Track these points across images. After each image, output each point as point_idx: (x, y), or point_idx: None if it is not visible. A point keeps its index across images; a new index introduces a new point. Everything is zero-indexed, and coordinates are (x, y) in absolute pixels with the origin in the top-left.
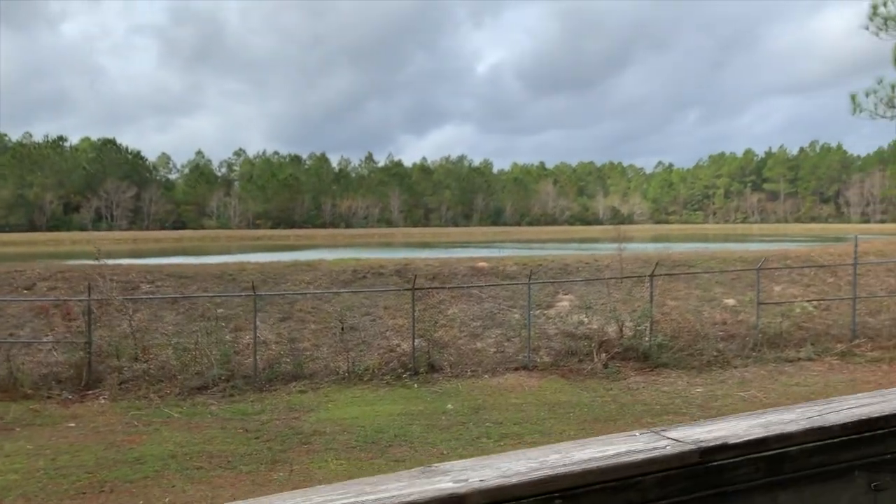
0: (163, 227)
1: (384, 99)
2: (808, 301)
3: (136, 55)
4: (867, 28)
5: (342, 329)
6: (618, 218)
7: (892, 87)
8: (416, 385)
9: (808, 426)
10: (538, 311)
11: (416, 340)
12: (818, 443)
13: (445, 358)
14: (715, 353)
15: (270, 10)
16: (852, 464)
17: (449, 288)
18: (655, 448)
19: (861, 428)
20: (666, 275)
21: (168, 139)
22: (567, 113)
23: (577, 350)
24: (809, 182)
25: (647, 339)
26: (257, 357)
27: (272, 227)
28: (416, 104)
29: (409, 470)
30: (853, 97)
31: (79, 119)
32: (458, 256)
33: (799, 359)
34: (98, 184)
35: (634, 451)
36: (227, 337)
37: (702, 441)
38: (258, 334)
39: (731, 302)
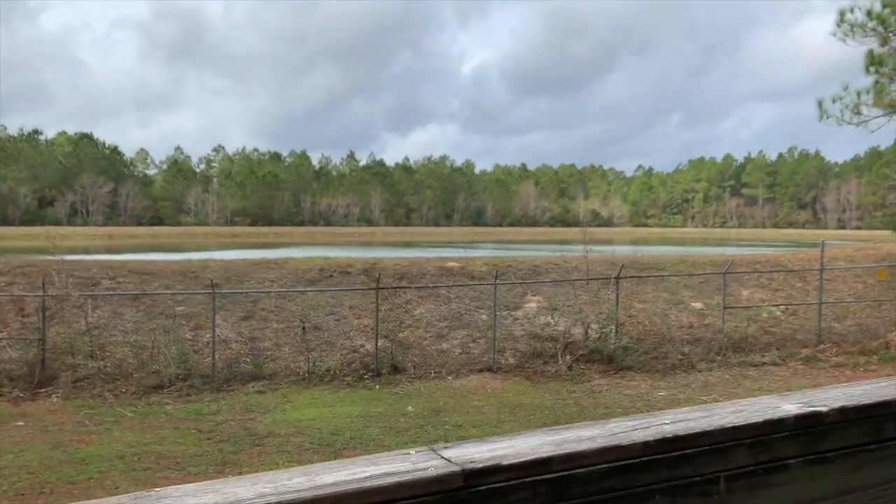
0: (139, 224)
1: (368, 97)
2: (774, 305)
3: (117, 49)
4: (835, 35)
5: (303, 329)
6: (598, 220)
7: (858, 94)
8: (377, 386)
9: (604, 444)
10: (506, 313)
11: (380, 341)
12: (614, 464)
13: (409, 359)
14: (680, 357)
15: (254, 5)
16: (652, 487)
17: (414, 288)
18: (418, 470)
19: (665, 447)
20: (631, 277)
21: (149, 134)
22: (551, 115)
23: (543, 352)
24: (787, 188)
25: (612, 341)
26: (216, 356)
27: (250, 225)
28: (400, 103)
29: (130, 495)
30: (820, 103)
31: (58, 113)
32: (428, 256)
33: (763, 363)
34: (74, 178)
35: (391, 474)
36: (188, 335)
37: (472, 462)
38: (219, 333)
39: (698, 305)
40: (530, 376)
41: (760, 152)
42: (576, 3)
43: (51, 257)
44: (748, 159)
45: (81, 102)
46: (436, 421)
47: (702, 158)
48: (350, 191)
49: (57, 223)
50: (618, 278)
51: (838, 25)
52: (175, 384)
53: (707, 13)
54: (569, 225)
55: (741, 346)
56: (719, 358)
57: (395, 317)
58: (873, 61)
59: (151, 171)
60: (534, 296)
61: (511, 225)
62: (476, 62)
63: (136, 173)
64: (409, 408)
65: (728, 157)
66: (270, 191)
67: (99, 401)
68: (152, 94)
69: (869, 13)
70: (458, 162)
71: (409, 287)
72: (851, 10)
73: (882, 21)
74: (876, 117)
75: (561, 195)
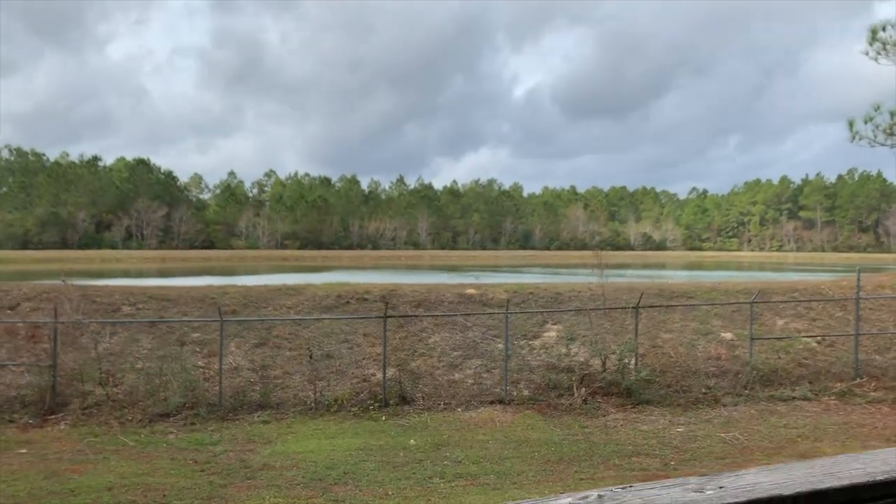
0: (192, 247)
1: (422, 122)
2: (810, 336)
3: (177, 76)
4: (867, 53)
5: (310, 357)
6: (649, 244)
7: (892, 114)
8: (384, 418)
9: None
10: (523, 342)
11: (388, 371)
12: None
13: (420, 389)
14: (704, 390)
15: (311, 32)
16: None
17: (424, 315)
18: None
19: None
20: (653, 306)
21: (207, 160)
22: (603, 138)
23: (559, 384)
24: (847, 210)
25: (631, 373)
26: (224, 384)
27: (300, 248)
28: (452, 128)
29: None
30: (851, 124)
31: (121, 139)
32: (447, 283)
33: (794, 398)
34: (130, 203)
35: None
36: (200, 362)
37: None
38: (231, 360)
39: (728, 336)
40: (543, 409)
41: (818, 174)
42: (631, 25)
43: (73, 282)
44: (806, 181)
45: (143, 129)
46: (436, 456)
47: (758, 180)
48: (398, 214)
49: (112, 247)
50: (637, 307)
51: (870, 43)
52: (181, 413)
53: (766, 33)
54: (619, 248)
55: (771, 379)
56: (746, 392)
57: (409, 345)
58: None
59: (205, 196)
60: (554, 325)
61: (559, 248)
62: (528, 85)
63: (190, 198)
64: (412, 441)
65: (785, 179)
66: (320, 215)
67: (104, 428)
68: (210, 120)
69: None
70: (508, 185)
71: (418, 315)
72: (884, 28)
73: None
74: None
75: (611, 218)
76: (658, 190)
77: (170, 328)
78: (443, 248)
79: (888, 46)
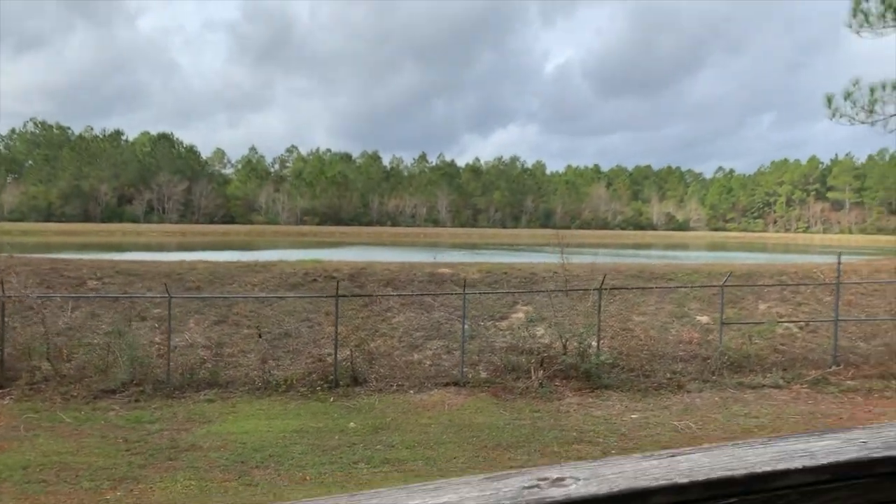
0: (212, 221)
1: (450, 98)
2: (790, 321)
3: (207, 50)
4: (850, 26)
5: (259, 335)
6: (672, 224)
7: (872, 90)
8: (331, 399)
9: None
10: (490, 323)
11: (341, 351)
12: None
13: (375, 370)
14: (669, 376)
15: (340, 6)
16: None
17: (375, 295)
18: None
19: None
20: (619, 288)
21: (236, 134)
22: (634, 115)
23: (518, 366)
24: (877, 192)
25: (591, 357)
26: (178, 361)
27: (319, 224)
28: (481, 104)
29: None
30: (829, 100)
31: (151, 113)
32: (421, 261)
33: (764, 385)
34: (151, 177)
35: None
36: (157, 339)
37: None
38: (188, 337)
39: (703, 319)
40: (498, 392)
41: (848, 154)
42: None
43: (53, 256)
44: (835, 161)
45: (174, 103)
46: (371, 440)
47: (785, 160)
48: (418, 192)
49: (134, 220)
50: (600, 289)
51: (853, 15)
52: (128, 390)
53: (805, 7)
54: (642, 228)
55: (742, 365)
56: (714, 378)
57: (371, 325)
58: None
59: (228, 171)
60: (524, 306)
61: (580, 227)
62: (559, 61)
63: (212, 172)
64: (352, 424)
65: (813, 159)
66: (339, 191)
67: (47, 405)
68: (240, 95)
69: (884, 1)
70: (536, 162)
71: (370, 294)
72: None
73: (892, 8)
74: (893, 115)
75: (634, 198)
76: (685, 169)
77: (132, 303)
78: (462, 225)
79: (871, 18)
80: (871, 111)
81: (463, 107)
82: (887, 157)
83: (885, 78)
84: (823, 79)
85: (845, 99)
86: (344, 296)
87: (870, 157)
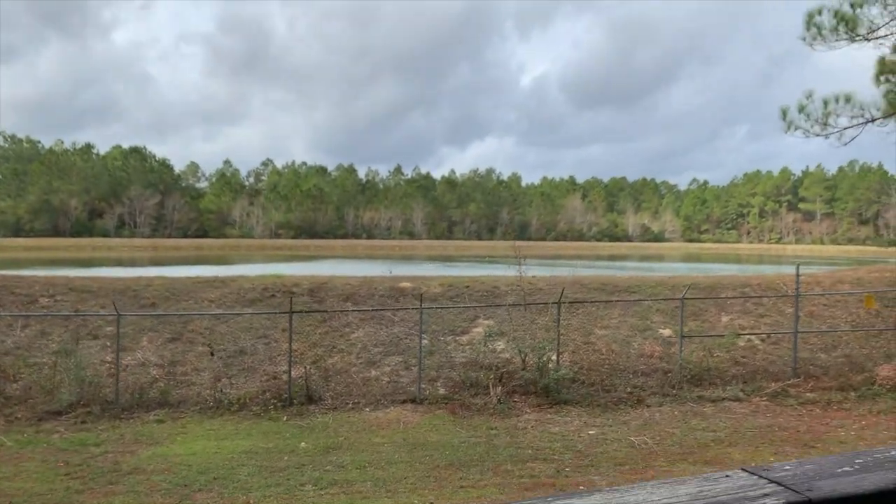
0: (185, 236)
1: (427, 110)
2: (752, 333)
3: (183, 63)
4: (804, 39)
5: (212, 353)
6: (647, 235)
7: (826, 102)
8: (285, 418)
9: None
10: (450, 338)
11: (297, 368)
12: None
13: (331, 388)
14: (630, 390)
15: (317, 18)
16: None
17: (329, 311)
18: None
19: None
20: (579, 301)
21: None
22: (611, 127)
23: (477, 382)
24: (847, 203)
25: (549, 372)
26: (129, 381)
27: (293, 237)
28: (459, 116)
29: None
30: (784, 112)
31: (126, 127)
32: (382, 276)
33: (724, 399)
34: (123, 191)
35: None
36: (108, 357)
37: None
38: (141, 355)
39: (666, 332)
40: (455, 409)
41: (819, 165)
42: (641, 11)
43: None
44: (806, 173)
45: (149, 116)
46: (322, 460)
47: (758, 172)
48: (394, 204)
49: (105, 235)
50: (559, 303)
51: (807, 28)
52: (75, 411)
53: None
54: (617, 240)
55: (703, 378)
56: (674, 392)
57: (329, 341)
58: (884, 69)
59: (202, 185)
60: (486, 320)
61: (556, 239)
62: (536, 73)
63: (184, 186)
64: (303, 444)
65: (785, 171)
66: (315, 204)
67: None
68: (217, 108)
69: (836, 14)
70: (511, 175)
71: (322, 311)
72: (820, 13)
73: (847, 22)
74: (847, 128)
75: (610, 209)
76: (660, 181)
77: (84, 321)
78: (438, 238)
79: (823, 32)
80: (826, 124)
81: (440, 119)
82: (857, 169)
83: (839, 90)
84: (796, 91)
85: (799, 112)
86: (298, 312)
87: (840, 169)
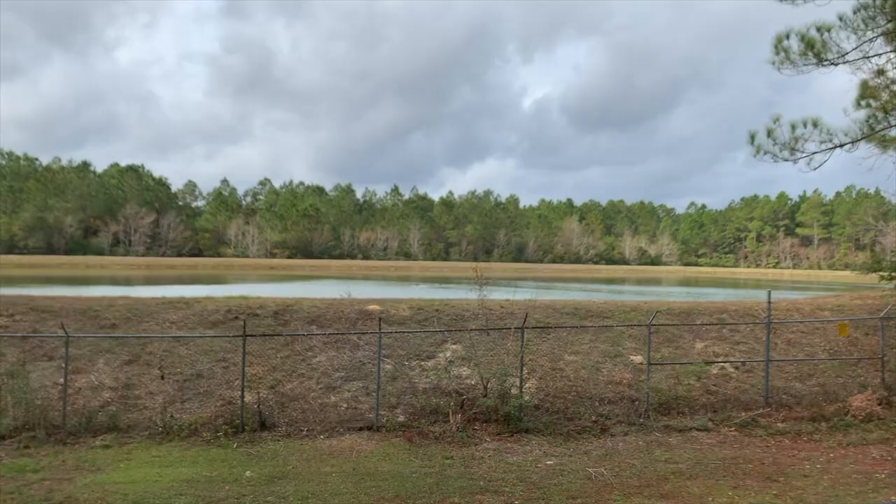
0: (179, 254)
1: (429, 131)
2: (728, 361)
3: (186, 82)
4: (773, 63)
5: (162, 377)
6: (644, 259)
7: (793, 126)
8: (235, 445)
9: None
10: (415, 363)
11: (252, 393)
12: None
13: (287, 414)
14: (595, 418)
15: (320, 40)
16: None
17: (286, 335)
18: None
19: None
20: (535, 327)
21: (215, 167)
22: (612, 150)
23: (439, 409)
24: (844, 228)
25: (510, 399)
26: (77, 404)
27: (289, 257)
28: (460, 138)
29: None
30: (752, 136)
31: (128, 145)
32: (350, 298)
33: (691, 428)
34: (118, 209)
35: None
36: (62, 380)
37: None
38: (94, 378)
39: (637, 359)
40: (413, 437)
41: (816, 191)
42: (643, 36)
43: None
44: (803, 198)
45: (151, 135)
46: (265, 490)
47: (755, 196)
48: (391, 225)
49: (99, 253)
50: (523, 328)
51: (776, 52)
52: (19, 435)
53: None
54: (614, 263)
55: (671, 407)
56: (641, 421)
57: (290, 365)
58: (865, 94)
59: (200, 204)
60: (454, 344)
61: (553, 262)
62: (537, 96)
63: (181, 205)
64: (248, 473)
65: (782, 196)
66: (311, 223)
67: None
68: (218, 127)
69: (803, 38)
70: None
71: (277, 335)
72: (787, 36)
73: (812, 46)
74: (815, 153)
75: (607, 232)
76: (657, 204)
77: (41, 342)
78: (434, 259)
79: (792, 56)
80: (794, 149)
81: (441, 141)
82: (854, 194)
83: (807, 116)
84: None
85: (767, 136)
86: (251, 335)
87: (837, 194)
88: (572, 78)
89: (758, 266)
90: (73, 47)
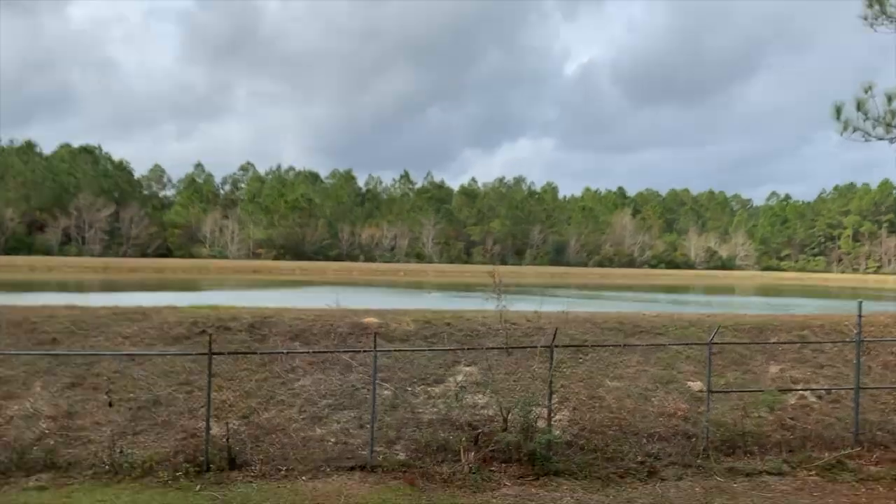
0: (143, 254)
1: (447, 106)
2: (809, 389)
3: (153, 45)
4: (865, 18)
5: (110, 404)
6: (714, 261)
7: (889, 98)
8: (198, 487)
9: None
10: (420, 388)
11: (221, 425)
12: None
13: (263, 449)
14: (641, 459)
15: None
16: None
17: (260, 353)
18: None
19: None
20: (568, 346)
21: (187, 148)
22: (674, 128)
23: (449, 445)
24: None
25: (536, 434)
26: (8, 436)
27: (275, 258)
28: (485, 114)
29: None
30: (838, 110)
31: (82, 120)
32: (343, 309)
33: (762, 472)
34: (70, 200)
35: None
36: None
37: None
38: (30, 405)
39: (696, 386)
40: (416, 480)
41: None
42: None
43: None
44: None
45: (110, 109)
46: None
47: (852, 185)
48: (399, 219)
49: (46, 252)
50: (552, 347)
51: (869, 6)
52: None
53: None
54: (675, 266)
55: (738, 445)
56: (699, 462)
57: (267, 390)
58: None
59: (169, 193)
60: (468, 366)
61: (600, 265)
62: (583, 61)
63: (146, 194)
64: None
65: (886, 184)
66: (302, 218)
67: None
68: (192, 100)
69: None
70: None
71: (251, 352)
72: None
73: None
74: None
75: (668, 229)
76: (731, 195)
77: None
78: (452, 261)
79: (888, 7)
80: (890, 125)
81: (463, 116)
82: None
83: None
84: None
85: (857, 109)
86: (219, 353)
87: None
88: (626, 39)
89: (855, 271)
90: (16, 2)
